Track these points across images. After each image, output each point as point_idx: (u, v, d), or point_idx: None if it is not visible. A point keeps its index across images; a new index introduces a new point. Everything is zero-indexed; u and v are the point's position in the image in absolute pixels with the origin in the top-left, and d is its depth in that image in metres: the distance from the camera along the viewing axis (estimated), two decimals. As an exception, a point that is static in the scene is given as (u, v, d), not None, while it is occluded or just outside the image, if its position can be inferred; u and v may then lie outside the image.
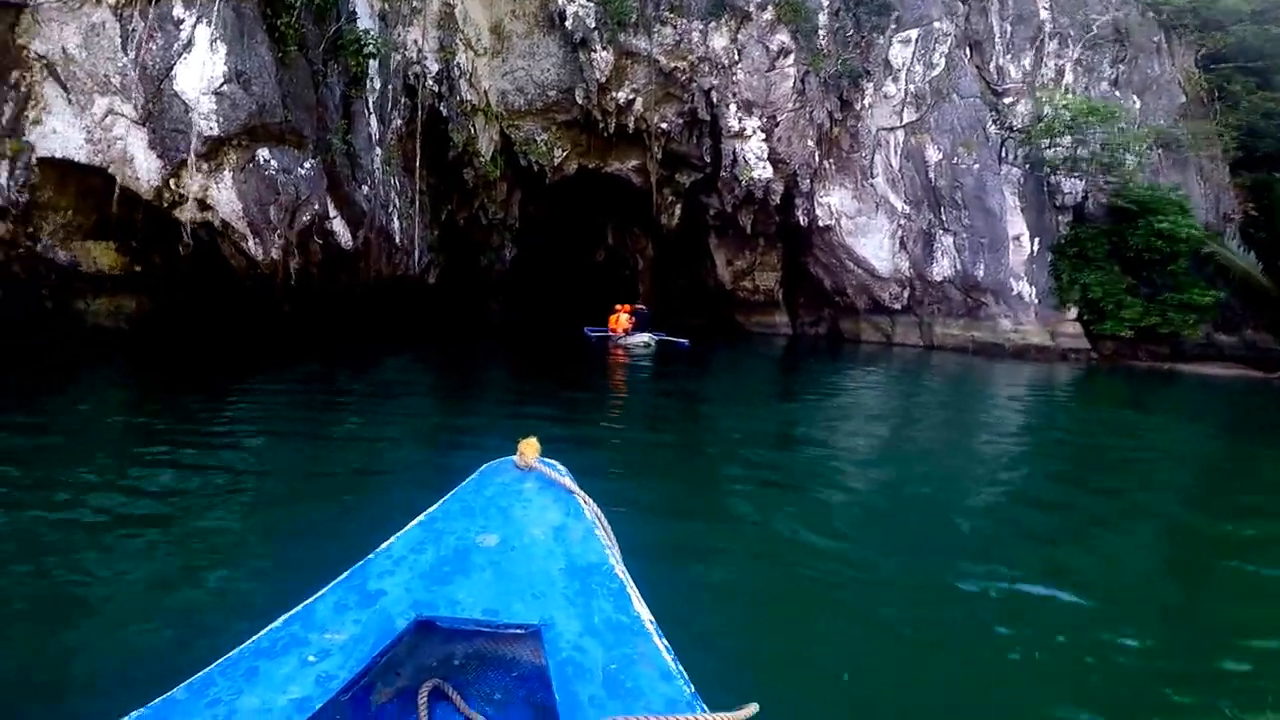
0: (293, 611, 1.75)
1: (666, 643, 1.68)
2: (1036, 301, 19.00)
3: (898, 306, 20.07)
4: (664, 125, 18.93)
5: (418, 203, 16.30)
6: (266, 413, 7.55)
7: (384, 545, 1.99)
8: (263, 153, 10.74)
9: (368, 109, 14.11)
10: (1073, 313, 18.98)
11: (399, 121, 15.25)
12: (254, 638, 1.66)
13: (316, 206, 12.08)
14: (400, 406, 8.46)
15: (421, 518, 2.09)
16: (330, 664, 1.61)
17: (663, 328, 17.76)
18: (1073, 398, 14.60)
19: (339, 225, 13.02)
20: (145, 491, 4.85)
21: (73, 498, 4.65)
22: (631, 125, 18.66)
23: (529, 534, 2.03)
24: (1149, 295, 18.39)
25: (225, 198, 10.27)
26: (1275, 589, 4.36)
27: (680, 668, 1.61)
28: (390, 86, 14.95)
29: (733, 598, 4.05)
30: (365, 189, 13.79)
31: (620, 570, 1.91)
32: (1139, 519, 5.93)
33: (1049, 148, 18.62)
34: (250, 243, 10.57)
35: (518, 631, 1.81)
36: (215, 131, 10.25)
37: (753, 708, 1.48)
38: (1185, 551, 5.30)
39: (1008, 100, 19.40)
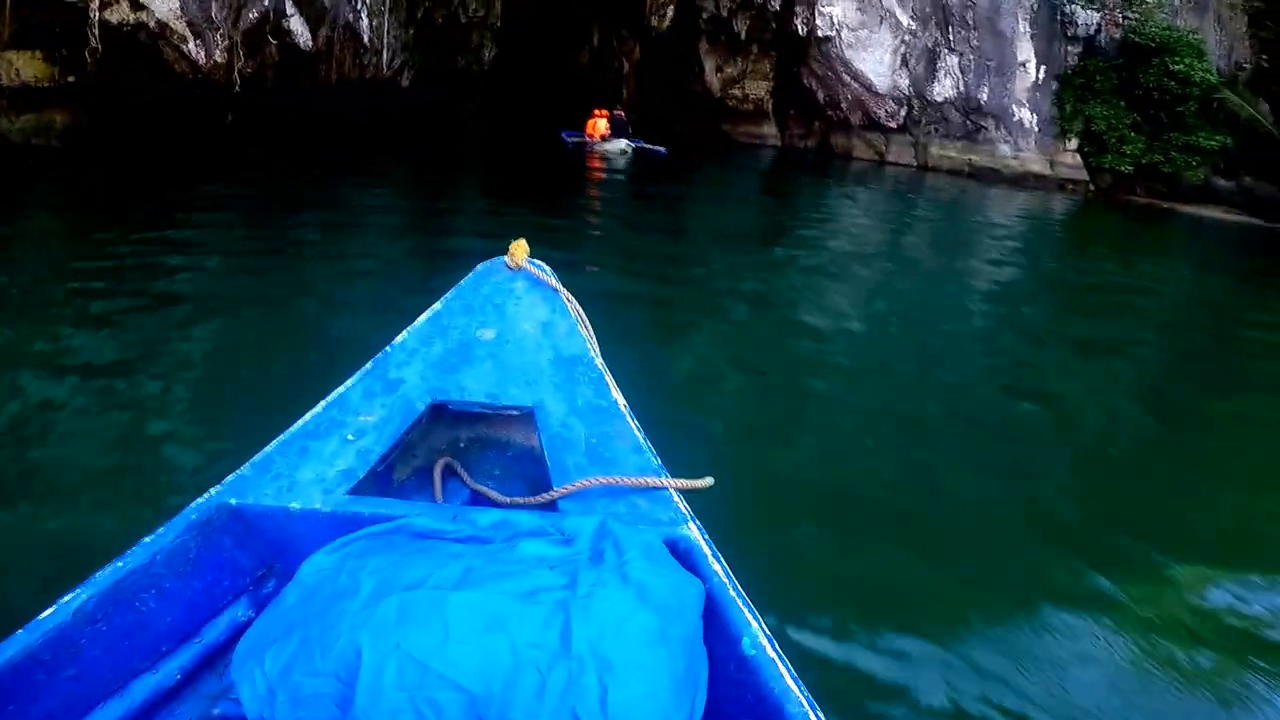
0: (328, 399, 1.97)
1: (638, 423, 1.94)
2: (1038, 129, 18.64)
3: (894, 125, 19.42)
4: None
5: (389, -2, 15.29)
6: (220, 236, 7.23)
7: (397, 339, 2.18)
8: (202, -59, 9.96)
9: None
10: (1073, 143, 18.72)
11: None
12: (300, 421, 1.89)
13: (267, 3, 11.42)
14: (368, 224, 8.19)
15: (427, 314, 2.26)
16: (366, 441, 1.86)
17: (645, 135, 17.22)
18: (1068, 229, 14.56)
19: (297, 24, 12.36)
20: (91, 330, 4.59)
21: (9, 339, 4.38)
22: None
23: (521, 328, 2.22)
24: (1152, 134, 18.10)
25: (160, -5, 9.61)
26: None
27: (649, 444, 1.87)
28: None
29: (695, 391, 4.49)
30: (328, -18, 12.91)
31: (599, 362, 2.12)
32: (1122, 351, 6.34)
33: (1068, -25, 17.57)
34: (190, 45, 10.07)
35: (514, 413, 2.08)
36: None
37: (708, 480, 1.74)
38: (1161, 385, 5.76)
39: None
